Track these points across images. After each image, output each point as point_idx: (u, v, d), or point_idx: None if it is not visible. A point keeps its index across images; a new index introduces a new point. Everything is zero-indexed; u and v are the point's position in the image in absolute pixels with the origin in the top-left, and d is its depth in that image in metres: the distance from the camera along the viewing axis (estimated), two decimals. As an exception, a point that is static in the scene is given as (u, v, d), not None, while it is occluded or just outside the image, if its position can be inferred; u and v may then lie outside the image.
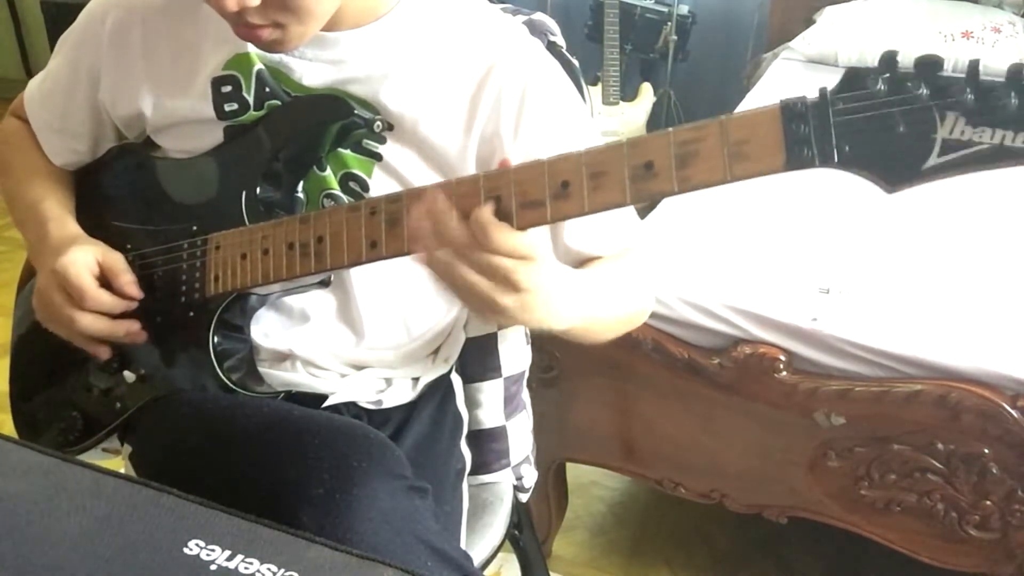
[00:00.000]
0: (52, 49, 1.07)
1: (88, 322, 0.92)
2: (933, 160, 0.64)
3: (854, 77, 0.66)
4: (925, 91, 0.64)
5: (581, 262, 0.97)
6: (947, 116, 0.63)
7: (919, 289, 1.51)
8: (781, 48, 2.77)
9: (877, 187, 0.67)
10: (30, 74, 1.01)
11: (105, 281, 0.94)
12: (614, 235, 0.98)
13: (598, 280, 0.95)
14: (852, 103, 0.66)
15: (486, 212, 0.75)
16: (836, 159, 0.66)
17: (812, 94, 0.67)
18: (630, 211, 1.01)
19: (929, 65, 0.64)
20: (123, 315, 0.95)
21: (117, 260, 0.95)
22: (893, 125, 0.65)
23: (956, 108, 0.63)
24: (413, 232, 0.79)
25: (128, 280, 0.94)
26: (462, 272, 0.75)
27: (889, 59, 0.65)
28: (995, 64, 2.34)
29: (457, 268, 0.75)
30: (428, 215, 0.77)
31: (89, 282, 0.92)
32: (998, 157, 0.63)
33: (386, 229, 0.82)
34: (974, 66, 0.63)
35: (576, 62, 1.13)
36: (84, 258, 0.93)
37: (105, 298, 0.93)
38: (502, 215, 0.76)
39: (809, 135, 0.67)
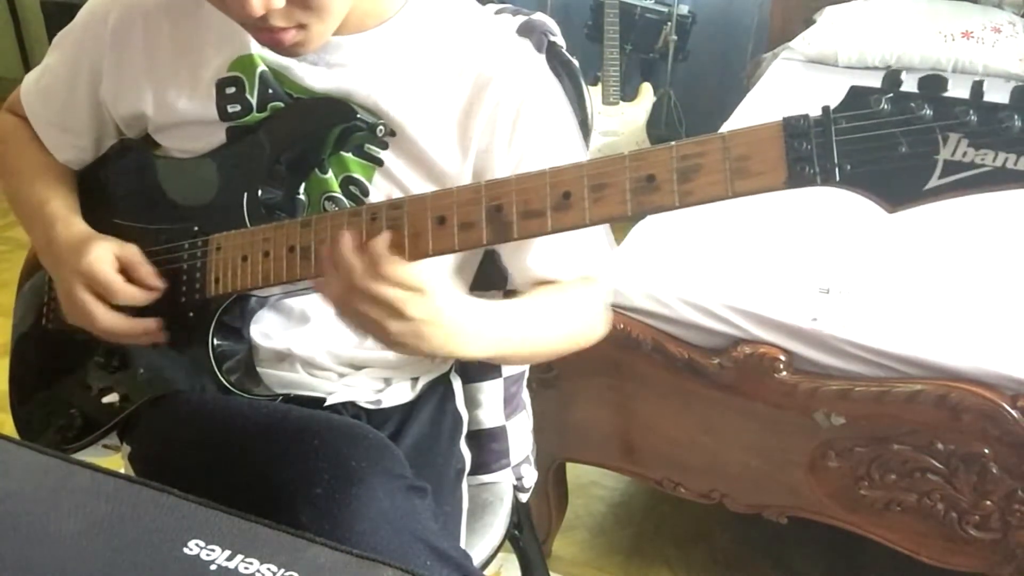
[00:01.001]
0: (52, 49, 1.06)
1: (113, 321, 0.93)
2: (935, 181, 0.64)
3: (857, 95, 0.66)
4: (928, 111, 0.64)
5: (534, 282, 0.97)
6: (950, 137, 0.63)
7: (919, 289, 1.51)
8: (781, 48, 2.77)
9: (878, 207, 0.67)
10: (30, 73, 1.01)
11: (126, 276, 0.94)
12: (575, 263, 0.97)
13: (524, 312, 0.94)
14: (855, 122, 0.66)
15: (380, 243, 0.77)
16: (838, 178, 0.66)
17: (815, 111, 0.67)
18: (603, 239, 1.01)
19: (933, 84, 0.64)
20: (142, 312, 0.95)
21: (134, 252, 0.95)
22: (895, 145, 0.65)
23: (959, 129, 0.63)
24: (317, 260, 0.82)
25: (148, 271, 0.95)
26: (352, 300, 0.78)
27: (892, 77, 0.65)
28: (996, 64, 2.34)
29: (348, 296, 0.78)
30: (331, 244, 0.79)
31: (116, 278, 0.93)
32: (1000, 180, 0.63)
33: None
34: (977, 88, 0.63)
35: (576, 62, 1.13)
36: (105, 255, 0.93)
37: (132, 291, 0.93)
38: (502, 224, 0.77)
39: (811, 153, 0.67)
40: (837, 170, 0.66)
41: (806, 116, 0.67)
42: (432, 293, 0.78)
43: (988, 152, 0.63)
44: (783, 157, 0.67)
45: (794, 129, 0.67)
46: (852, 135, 0.66)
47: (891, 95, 0.65)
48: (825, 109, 0.67)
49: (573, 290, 0.97)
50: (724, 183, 0.69)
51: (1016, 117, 0.62)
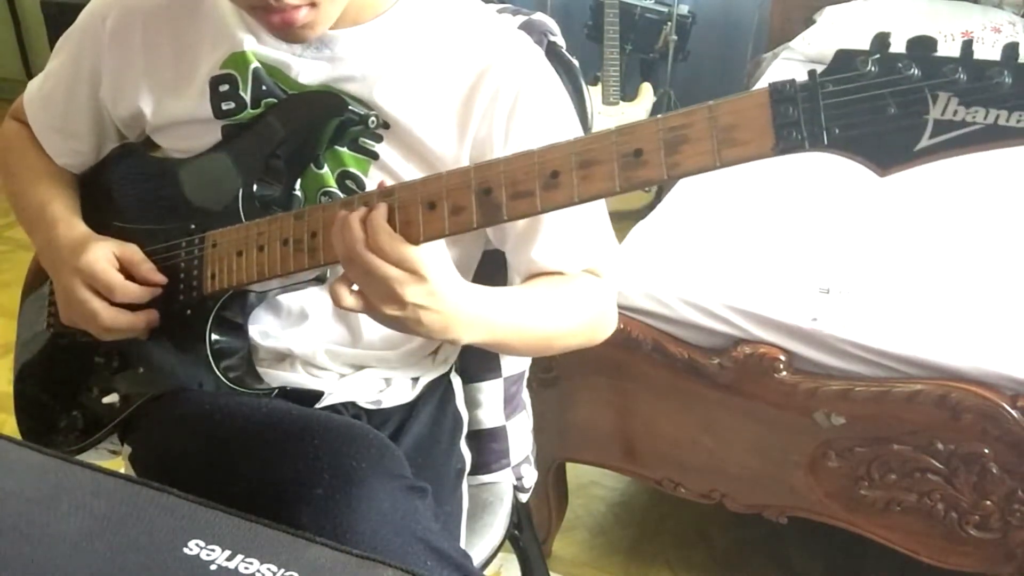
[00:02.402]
0: (52, 49, 1.06)
1: (114, 317, 0.93)
2: (925, 141, 0.64)
3: (844, 58, 0.65)
4: (916, 72, 0.63)
5: (538, 274, 0.96)
6: (939, 96, 0.63)
7: (919, 289, 1.51)
8: (781, 48, 2.77)
9: (869, 170, 0.66)
10: (30, 74, 1.01)
11: (126, 274, 0.95)
12: (580, 255, 0.97)
13: (523, 297, 0.94)
14: (842, 85, 0.65)
15: (378, 216, 0.77)
16: (826, 142, 0.66)
17: (801, 76, 0.66)
18: (608, 234, 1.01)
19: (921, 45, 0.63)
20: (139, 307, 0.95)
21: (134, 251, 0.96)
22: (884, 106, 0.64)
23: (948, 88, 0.62)
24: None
25: (149, 268, 0.95)
26: (351, 271, 0.78)
27: (881, 40, 0.64)
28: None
29: (348, 267, 0.78)
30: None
31: (116, 275, 0.93)
32: (992, 137, 0.62)
33: None
34: (967, 45, 0.62)
35: (576, 62, 1.13)
36: (104, 253, 0.94)
37: (132, 289, 0.94)
38: (492, 206, 0.76)
39: (798, 118, 0.66)
40: (825, 134, 0.66)
41: (792, 81, 0.66)
42: (432, 280, 0.78)
43: (979, 109, 0.62)
44: (770, 123, 0.67)
45: (781, 95, 0.66)
46: (840, 98, 0.65)
47: (878, 56, 0.64)
48: (811, 73, 0.66)
49: (579, 282, 0.97)
50: (712, 153, 0.69)
51: (1006, 73, 0.61)
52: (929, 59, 0.63)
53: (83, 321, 0.95)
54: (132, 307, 0.95)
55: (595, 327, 0.99)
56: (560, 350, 1.00)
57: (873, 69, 0.64)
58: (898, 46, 0.65)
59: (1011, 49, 0.62)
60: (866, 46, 0.65)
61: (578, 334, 0.98)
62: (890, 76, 0.64)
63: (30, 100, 1.07)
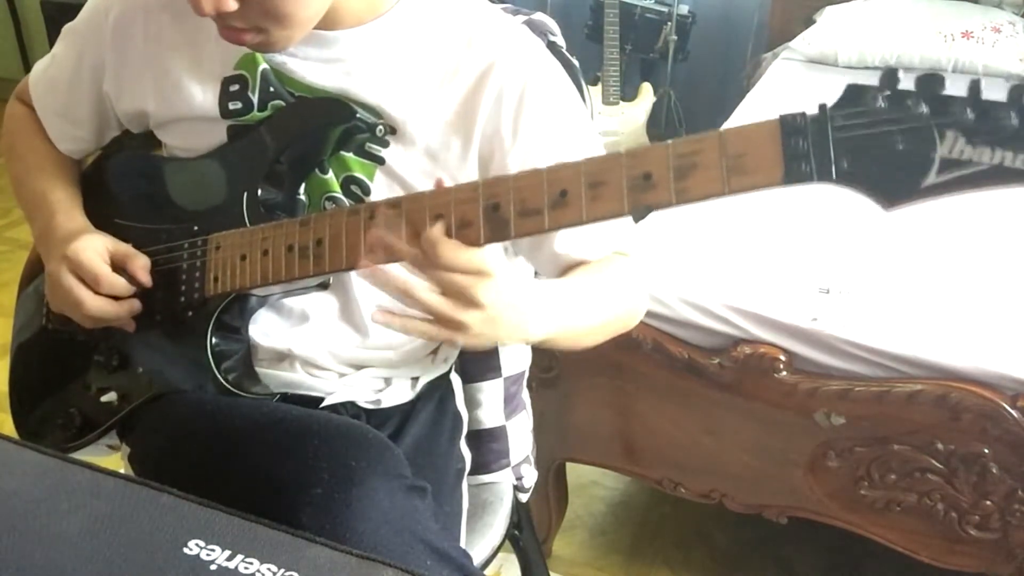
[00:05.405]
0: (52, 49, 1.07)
1: (98, 305, 0.93)
2: (932, 179, 0.64)
3: (854, 93, 0.66)
4: (925, 109, 0.64)
5: (568, 267, 0.96)
6: (947, 135, 0.63)
7: (919, 289, 1.51)
8: (781, 48, 2.77)
9: (875, 204, 0.67)
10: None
11: (116, 267, 0.94)
12: (604, 240, 0.97)
13: (577, 289, 0.94)
14: (852, 119, 0.66)
15: (436, 230, 0.76)
16: (834, 175, 0.67)
17: (811, 109, 0.67)
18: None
19: (930, 83, 0.64)
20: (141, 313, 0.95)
21: (128, 248, 0.96)
22: (892, 142, 0.65)
23: (956, 127, 0.63)
24: (368, 250, 0.81)
25: (142, 264, 0.95)
26: (420, 294, 0.76)
27: (890, 76, 0.65)
28: (996, 64, 2.34)
29: (415, 290, 0.77)
30: (379, 237, 0.79)
31: (102, 266, 0.93)
32: (997, 177, 0.63)
33: None
34: (975, 85, 0.63)
35: (576, 62, 1.13)
36: (94, 244, 0.94)
37: (118, 282, 0.94)
38: (500, 223, 0.76)
39: (808, 150, 0.67)
40: (834, 168, 0.66)
41: (803, 114, 0.67)
42: (498, 276, 0.78)
43: (985, 150, 0.63)
44: (780, 154, 0.67)
45: (791, 127, 0.67)
46: (849, 132, 0.66)
47: (888, 93, 0.65)
48: (822, 107, 0.67)
49: (614, 264, 0.97)
50: (721, 180, 0.69)
51: (1013, 115, 0.62)
52: (938, 97, 0.64)
53: (67, 308, 0.95)
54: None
55: (636, 308, 1.00)
56: (608, 335, 0.99)
57: (883, 105, 0.65)
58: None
59: (1018, 90, 0.62)
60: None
61: (625, 315, 0.98)
62: (899, 113, 0.64)
63: (35, 82, 1.08)
